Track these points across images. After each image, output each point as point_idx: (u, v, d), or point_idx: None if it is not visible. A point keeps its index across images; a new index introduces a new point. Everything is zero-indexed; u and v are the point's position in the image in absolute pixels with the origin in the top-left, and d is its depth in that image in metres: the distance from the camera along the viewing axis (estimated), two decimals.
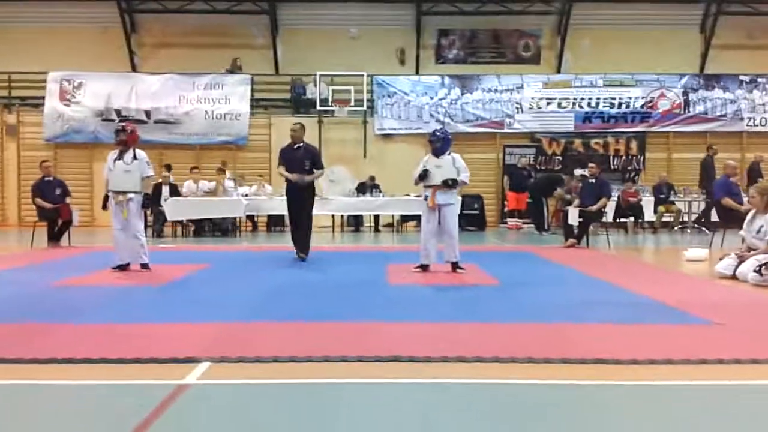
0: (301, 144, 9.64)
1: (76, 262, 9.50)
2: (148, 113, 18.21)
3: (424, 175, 8.30)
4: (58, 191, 12.18)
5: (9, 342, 4.48)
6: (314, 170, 9.65)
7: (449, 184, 8.22)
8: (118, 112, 18.06)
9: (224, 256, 10.85)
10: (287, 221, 15.84)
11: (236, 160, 18.40)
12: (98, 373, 3.82)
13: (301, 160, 9.48)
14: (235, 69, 18.91)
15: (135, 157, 8.26)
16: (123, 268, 8.26)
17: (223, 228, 15.24)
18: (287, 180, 9.62)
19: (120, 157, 8.26)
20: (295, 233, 9.81)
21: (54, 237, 11.96)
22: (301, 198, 9.61)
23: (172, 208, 14.35)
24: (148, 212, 12.86)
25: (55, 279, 7.56)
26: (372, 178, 17.01)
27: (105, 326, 5.08)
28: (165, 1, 18.93)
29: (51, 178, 12.42)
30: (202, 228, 15.25)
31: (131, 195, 8.19)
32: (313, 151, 9.87)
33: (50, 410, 3.32)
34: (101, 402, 3.42)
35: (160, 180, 14.87)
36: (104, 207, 8.51)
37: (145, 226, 9.19)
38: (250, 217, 16.33)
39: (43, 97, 18.30)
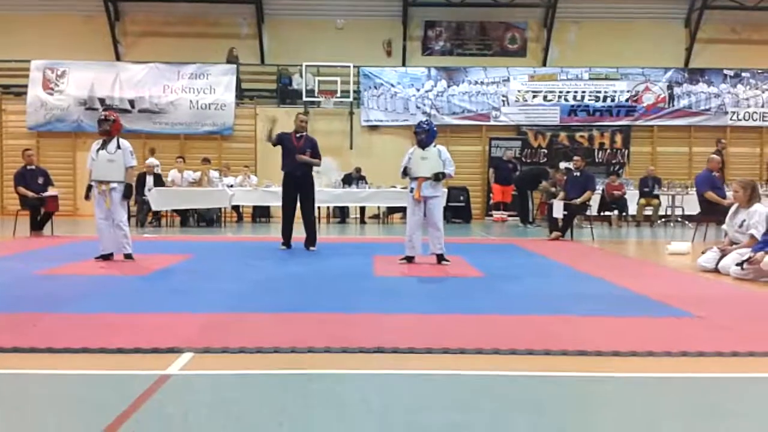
0: (304, 134, 9.83)
1: (59, 252, 9.44)
2: (132, 102, 18.07)
3: (405, 173, 8.37)
4: (40, 180, 12.09)
5: None
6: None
7: (439, 178, 8.26)
8: (101, 101, 17.90)
9: (209, 246, 10.81)
10: (272, 212, 15.86)
11: (221, 150, 18.31)
12: (80, 363, 3.79)
13: (302, 150, 9.70)
14: (231, 59, 18.76)
15: (119, 147, 8.21)
16: (106, 257, 8.22)
17: (208, 218, 15.17)
18: (285, 171, 9.77)
19: (103, 146, 8.20)
20: (287, 225, 9.85)
21: (37, 226, 11.88)
22: (300, 190, 9.74)
23: (157, 198, 14.28)
24: (132, 203, 12.78)
25: (38, 268, 7.50)
26: (358, 170, 16.99)
27: (87, 316, 5.05)
28: None
29: (34, 167, 12.30)
30: (186, 218, 15.19)
31: (114, 184, 8.14)
32: (313, 142, 10.06)
33: (31, 400, 3.29)
34: (82, 392, 3.40)
35: (144, 170, 14.81)
36: (87, 197, 8.44)
37: (128, 216, 9.12)
38: (235, 208, 16.26)
39: (26, 86, 18.11)
